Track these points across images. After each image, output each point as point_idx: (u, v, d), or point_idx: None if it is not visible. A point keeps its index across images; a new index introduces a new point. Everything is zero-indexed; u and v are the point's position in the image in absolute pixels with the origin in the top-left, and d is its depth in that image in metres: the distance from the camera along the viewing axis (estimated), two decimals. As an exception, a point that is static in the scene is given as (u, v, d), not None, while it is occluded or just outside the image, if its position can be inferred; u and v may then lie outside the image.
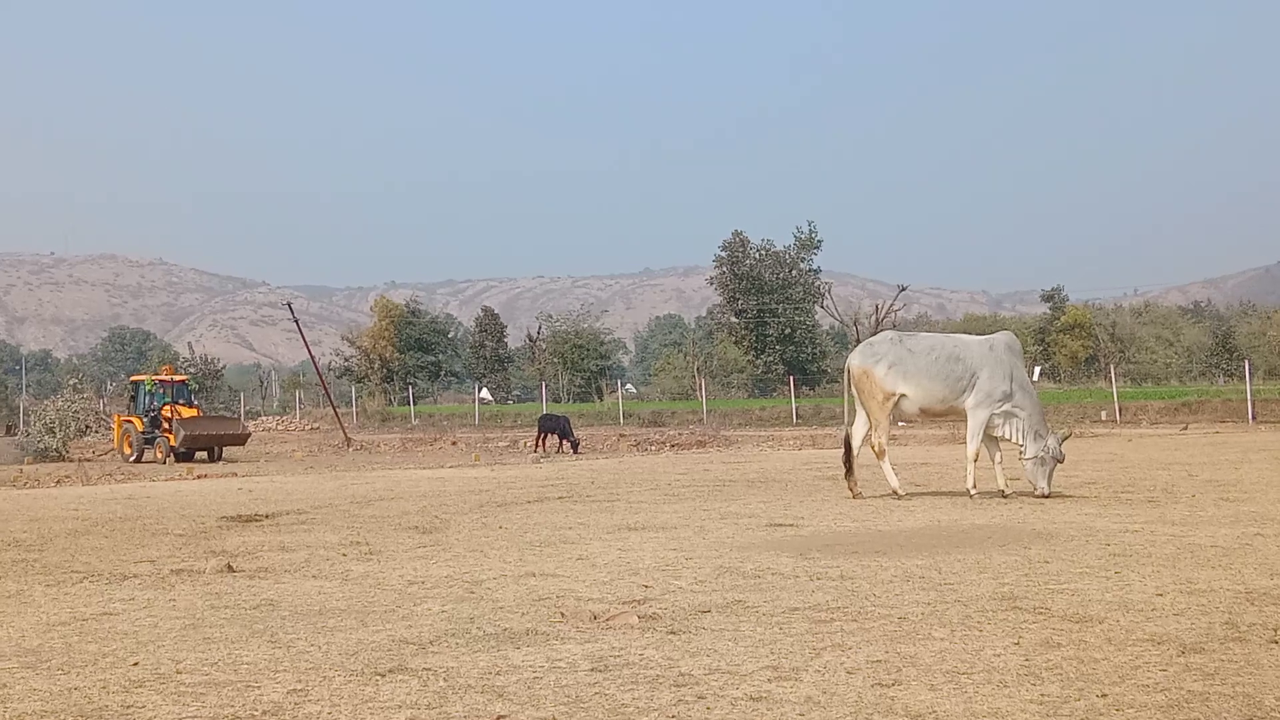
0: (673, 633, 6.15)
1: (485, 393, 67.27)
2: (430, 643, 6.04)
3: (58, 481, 21.76)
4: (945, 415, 14.27)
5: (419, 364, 76.57)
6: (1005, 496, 13.20)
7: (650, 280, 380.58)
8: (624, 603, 7.03)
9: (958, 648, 5.65)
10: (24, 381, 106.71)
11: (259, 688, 5.19)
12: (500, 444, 35.19)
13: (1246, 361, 39.49)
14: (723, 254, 72.20)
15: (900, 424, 21.60)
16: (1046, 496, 13.03)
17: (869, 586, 7.45)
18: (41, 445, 31.67)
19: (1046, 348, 70.28)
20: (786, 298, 70.12)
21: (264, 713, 4.78)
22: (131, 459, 30.07)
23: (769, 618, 6.49)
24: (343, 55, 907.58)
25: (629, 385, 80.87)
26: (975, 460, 13.59)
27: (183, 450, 29.30)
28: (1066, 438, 13.82)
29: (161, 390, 31.55)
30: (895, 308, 66.44)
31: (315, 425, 53.20)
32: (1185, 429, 32.29)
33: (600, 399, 60.64)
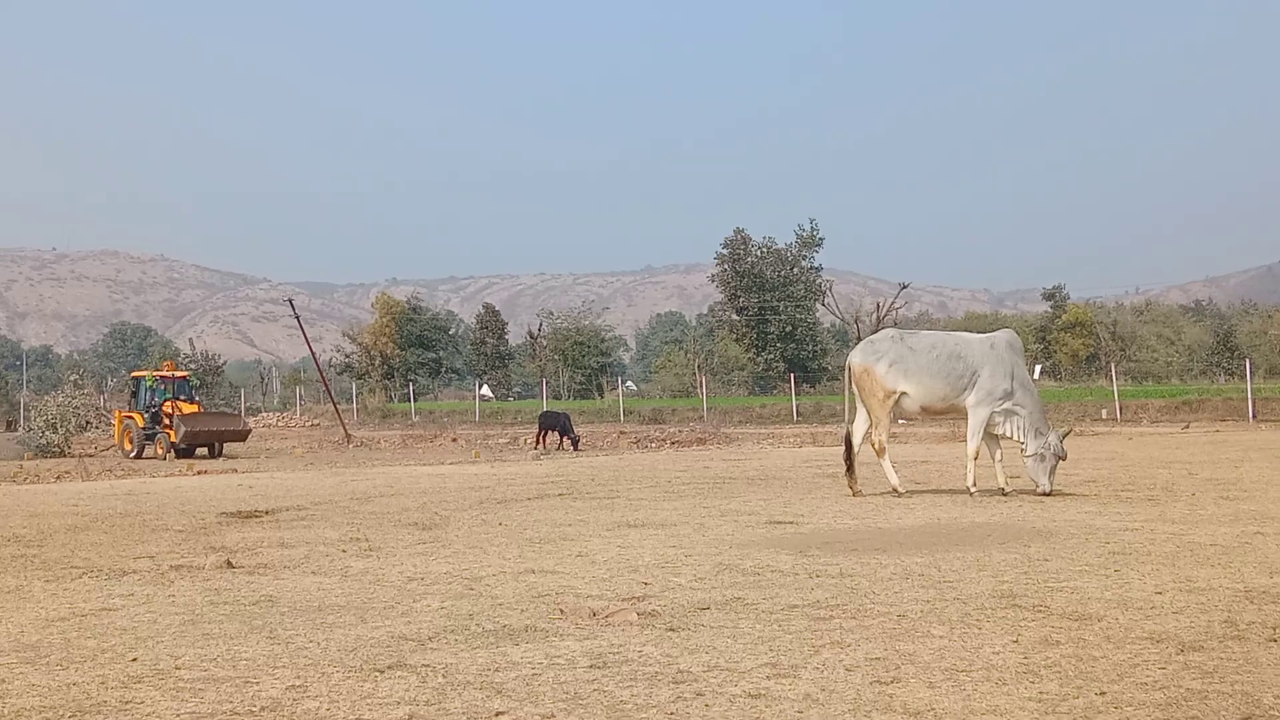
0: (672, 630, 6.15)
1: (486, 390, 67.32)
2: (429, 639, 6.04)
3: (57, 477, 21.77)
4: (946, 413, 14.26)
5: (420, 361, 76.59)
6: (1005, 494, 13.20)
7: (651, 277, 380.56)
8: (623, 600, 7.03)
9: (957, 645, 5.65)
10: (25, 377, 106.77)
11: (258, 684, 5.19)
12: (500, 441, 35.19)
13: (1247, 360, 39.44)
14: (724, 251, 72.18)
15: (901, 422, 21.59)
16: (1048, 494, 13.02)
17: (868, 584, 7.44)
18: (43, 441, 31.67)
19: (1047, 346, 70.24)
20: (788, 295, 70.09)
21: (262, 709, 4.78)
22: (132, 455, 30.08)
23: (768, 615, 6.49)
24: (344, 53, 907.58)
25: (630, 382, 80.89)
26: (975, 458, 13.59)
27: (183, 446, 29.29)
28: (1067, 434, 13.82)
29: (163, 386, 31.56)
30: (896, 305, 66.42)
31: (316, 421, 53.21)
32: (1187, 427, 32.27)
33: (601, 396, 60.67)
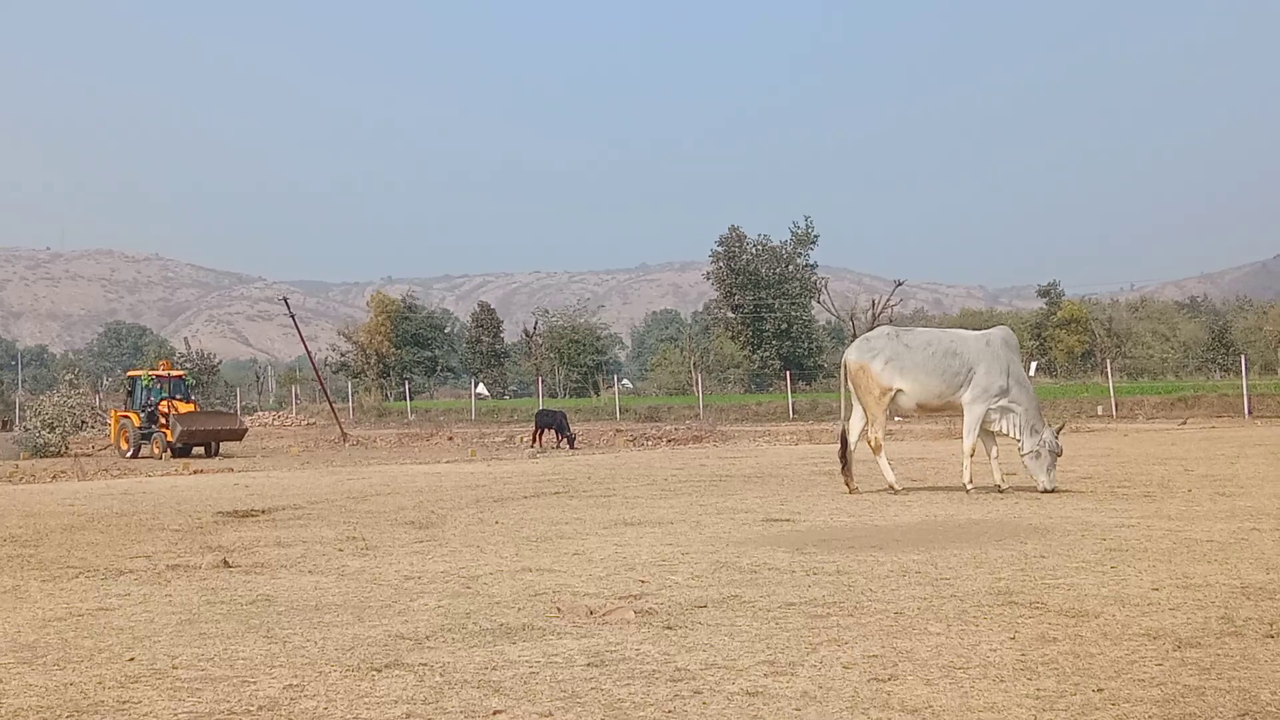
0: (669, 628, 6.15)
1: (482, 388, 67.29)
2: (426, 638, 6.04)
3: (53, 477, 21.73)
4: (942, 410, 14.28)
5: (415, 359, 76.56)
6: (1002, 491, 13.21)
7: (647, 275, 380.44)
8: (620, 598, 7.03)
9: (954, 643, 5.66)
10: (20, 377, 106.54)
11: (255, 683, 5.18)
12: (497, 439, 35.17)
13: (1242, 356, 39.52)
14: (719, 249, 72.21)
15: (897, 419, 21.60)
16: (1050, 491, 12.99)
17: (865, 581, 7.45)
18: (41, 441, 31.60)
19: (1043, 343, 70.36)
20: (783, 293, 70.11)
21: (260, 708, 4.77)
22: (128, 454, 30.02)
23: (765, 613, 6.49)
24: (340, 53, 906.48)
25: (625, 380, 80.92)
26: (972, 455, 13.60)
27: (180, 446, 29.24)
28: (1060, 429, 13.83)
29: (159, 385, 31.48)
30: (892, 303, 66.40)
31: (311, 420, 53.16)
32: (1184, 423, 32.32)
33: (597, 394, 60.67)
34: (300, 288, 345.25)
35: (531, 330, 77.58)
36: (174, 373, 33.52)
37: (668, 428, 38.15)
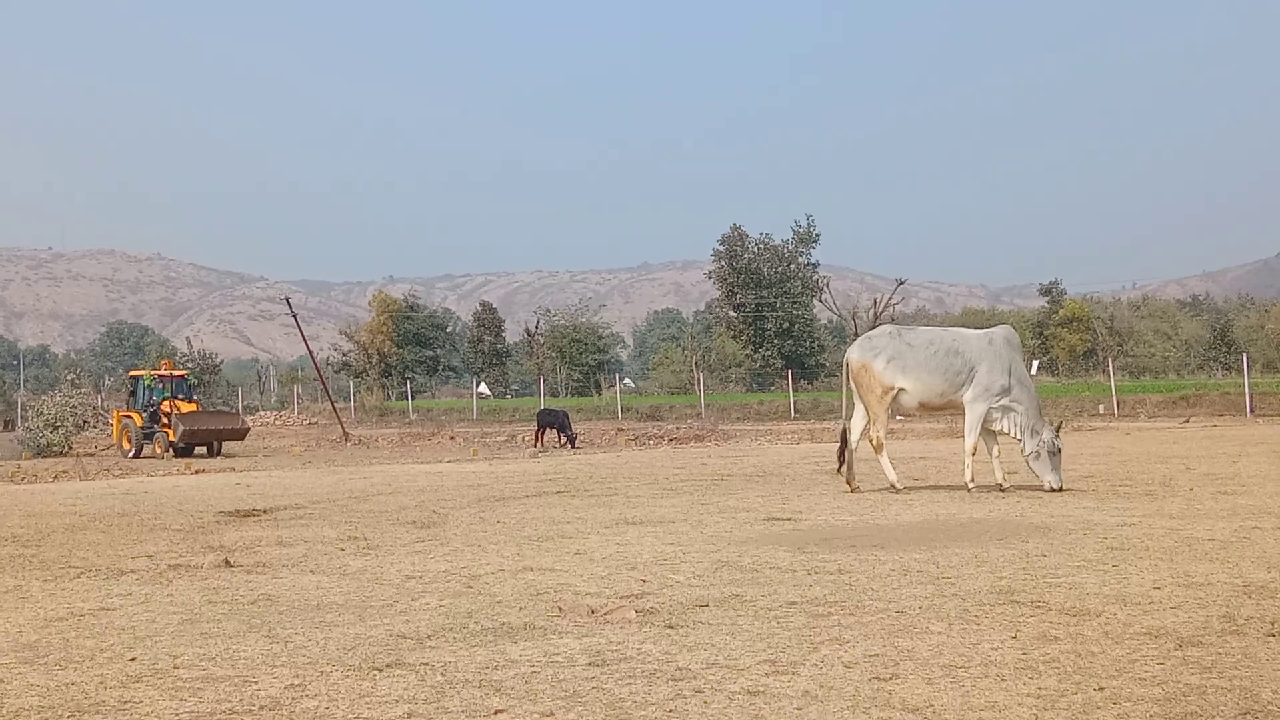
0: (670, 627, 6.14)
1: (483, 387, 67.31)
2: (428, 637, 6.04)
3: (55, 477, 21.75)
4: (944, 409, 14.27)
5: (417, 359, 76.60)
6: (1003, 490, 13.20)
7: (648, 274, 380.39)
8: (621, 597, 7.03)
9: (955, 641, 5.65)
10: (22, 377, 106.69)
11: (256, 683, 5.18)
12: (498, 439, 35.18)
13: (1244, 355, 39.48)
14: (721, 248, 72.20)
15: (898, 418, 21.60)
16: (1058, 490, 12.95)
17: (866, 580, 7.45)
18: (43, 441, 31.62)
19: (1045, 341, 70.32)
20: (785, 292, 70.11)
21: (261, 708, 4.77)
22: (130, 454, 30.03)
23: (766, 612, 6.49)
24: (341, 52, 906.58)
25: (627, 380, 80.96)
26: (973, 454, 13.60)
27: (182, 445, 29.26)
28: (1059, 428, 13.82)
29: (161, 385, 31.50)
30: (893, 301, 66.37)
31: (313, 420, 53.19)
32: (1187, 421, 32.31)
33: (598, 393, 60.69)
34: (302, 287, 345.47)
35: (533, 329, 77.59)
36: (176, 372, 33.55)
37: (669, 427, 38.16)
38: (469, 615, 6.61)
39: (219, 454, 29.61)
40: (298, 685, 5.11)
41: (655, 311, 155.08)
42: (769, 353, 68.86)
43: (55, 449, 31.39)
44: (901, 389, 13.67)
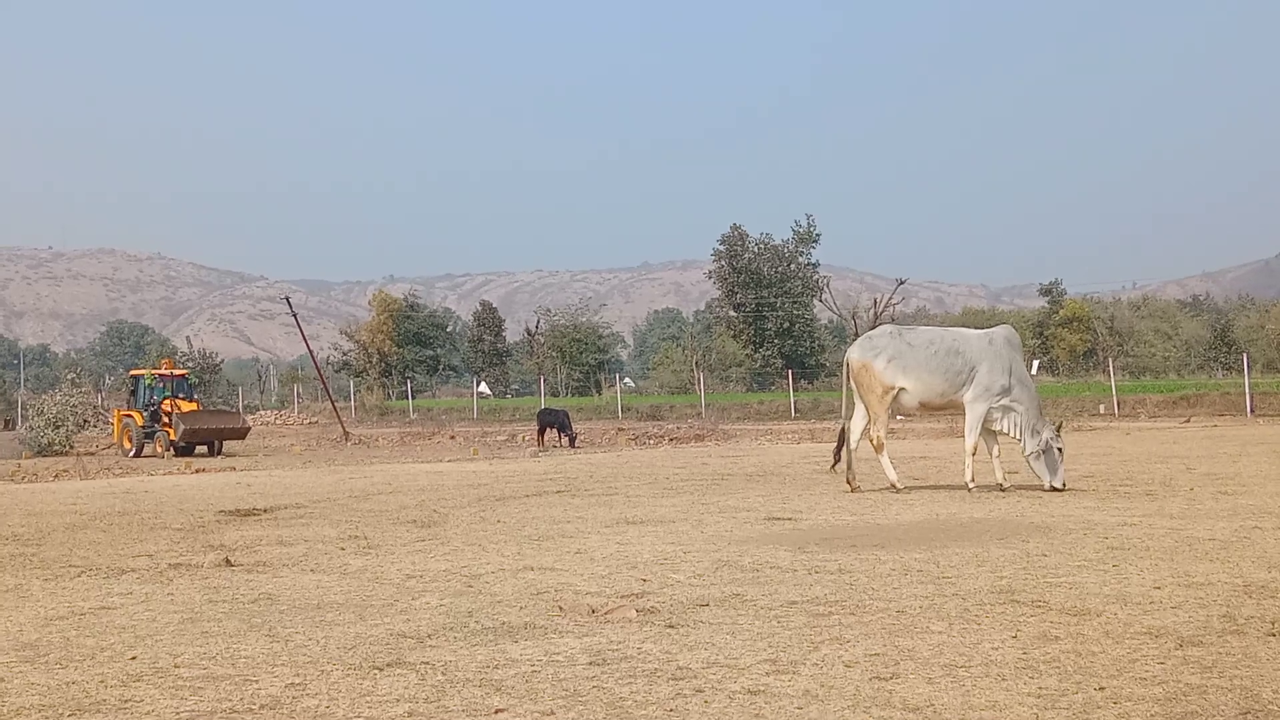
0: (671, 626, 6.15)
1: (484, 387, 67.25)
2: (428, 637, 6.04)
3: (55, 476, 21.75)
4: (944, 409, 14.27)
5: (417, 358, 76.59)
6: (1004, 490, 13.20)
7: (648, 274, 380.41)
8: (622, 596, 7.03)
9: (955, 641, 5.65)
10: (22, 376, 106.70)
11: (257, 681, 5.18)
12: (498, 438, 35.19)
13: (1245, 355, 39.47)
14: (721, 248, 72.19)
15: (899, 417, 21.60)
16: (1058, 490, 12.94)
17: (867, 580, 7.45)
18: (44, 440, 31.63)
19: (1045, 341, 70.31)
20: (785, 291, 70.10)
21: (262, 706, 4.77)
22: (131, 454, 30.04)
23: (767, 611, 6.49)
24: (341, 52, 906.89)
25: (627, 379, 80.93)
26: (974, 454, 13.60)
27: (183, 444, 29.26)
28: (1059, 428, 13.82)
29: (161, 385, 31.51)
30: (894, 301, 66.36)
31: (313, 419, 53.19)
32: (1187, 421, 32.30)
33: (599, 393, 60.69)
34: (302, 287, 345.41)
35: (533, 329, 77.59)
36: (177, 372, 33.56)
37: (669, 426, 38.16)
38: (469, 614, 6.61)
39: (219, 453, 29.63)
40: (298, 684, 5.11)
41: (655, 311, 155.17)
42: (769, 352, 68.87)
43: (56, 448, 31.40)
44: (902, 389, 13.68)
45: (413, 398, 59.41)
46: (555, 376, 68.18)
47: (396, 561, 8.84)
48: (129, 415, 31.35)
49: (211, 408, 41.27)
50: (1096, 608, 6.38)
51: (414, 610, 6.80)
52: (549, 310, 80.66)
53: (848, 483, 13.80)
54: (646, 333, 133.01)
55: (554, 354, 71.36)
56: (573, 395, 64.13)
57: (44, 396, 38.15)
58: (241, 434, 31.33)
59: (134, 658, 5.72)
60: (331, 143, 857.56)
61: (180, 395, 31.27)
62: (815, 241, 72.22)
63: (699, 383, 53.12)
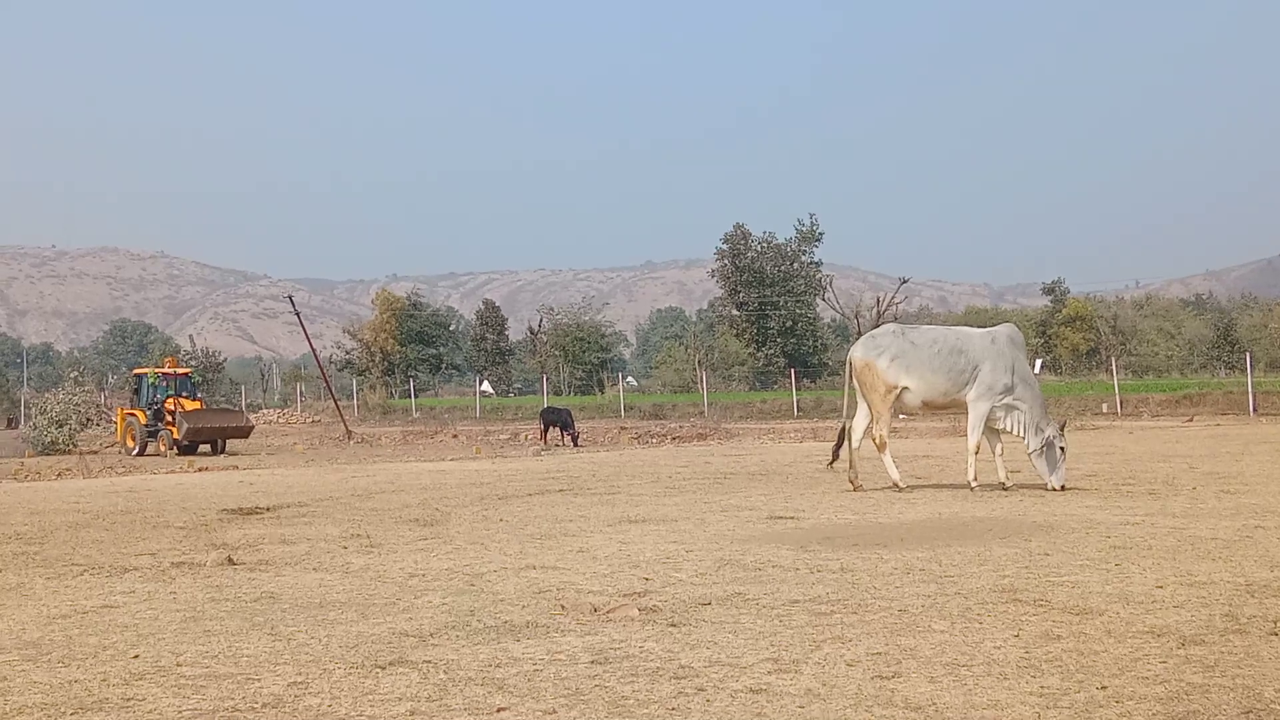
0: (673, 625, 6.15)
1: (486, 386, 67.27)
2: (431, 635, 6.05)
3: (58, 475, 21.78)
4: (947, 408, 14.27)
5: (420, 357, 76.62)
6: (1006, 489, 13.20)
7: (651, 273, 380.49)
8: (624, 595, 7.04)
9: (958, 640, 5.65)
10: (25, 375, 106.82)
11: (259, 680, 5.19)
12: (501, 437, 35.19)
13: (1248, 354, 39.43)
14: (724, 247, 72.21)
15: (901, 416, 21.60)
16: (1061, 489, 12.94)
17: (869, 579, 7.45)
18: (48, 438, 31.66)
19: (1048, 340, 70.27)
20: (788, 290, 70.10)
21: (264, 705, 4.78)
22: (134, 452, 30.06)
23: (769, 610, 6.49)
24: (344, 50, 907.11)
25: (630, 378, 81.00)
26: (976, 453, 13.59)
27: (186, 443, 29.27)
28: (1064, 426, 13.81)
29: (165, 383, 31.53)
30: (897, 300, 66.40)
31: (316, 418, 53.20)
32: (1190, 420, 32.28)
33: (601, 392, 60.73)
34: (305, 285, 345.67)
35: (536, 328, 77.64)
36: (180, 370, 33.58)
37: (672, 425, 38.16)
38: (472, 613, 6.61)
39: (223, 452, 29.64)
40: (300, 683, 5.12)
41: (658, 310, 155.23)
42: (772, 351, 68.87)
43: (59, 447, 31.42)
44: (905, 388, 13.67)
45: (415, 396, 59.46)
46: (558, 375, 68.22)
47: (399, 560, 8.84)
48: (132, 414, 31.36)
49: (215, 406, 41.31)
50: (1099, 607, 6.38)
51: (416, 609, 6.81)
52: (552, 309, 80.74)
53: (850, 482, 13.80)
54: (649, 331, 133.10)
55: (557, 353, 71.41)
56: (575, 394, 64.16)
57: (47, 395, 38.15)
58: (244, 433, 31.34)
59: (136, 656, 5.72)
60: (334, 141, 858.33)
61: (183, 394, 31.27)
62: (818, 240, 72.26)
63: (701, 382, 53.12)
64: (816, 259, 73.11)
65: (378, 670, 5.31)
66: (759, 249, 71.72)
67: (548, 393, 54.69)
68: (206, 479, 19.30)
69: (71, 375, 39.77)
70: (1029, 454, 13.39)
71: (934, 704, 4.57)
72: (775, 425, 37.47)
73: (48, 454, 30.31)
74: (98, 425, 41.11)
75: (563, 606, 6.71)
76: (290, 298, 48.09)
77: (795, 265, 71.56)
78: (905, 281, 67.69)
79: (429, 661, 5.45)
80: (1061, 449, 13.24)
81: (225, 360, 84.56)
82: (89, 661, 5.65)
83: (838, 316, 75.12)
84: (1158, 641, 5.55)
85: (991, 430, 13.74)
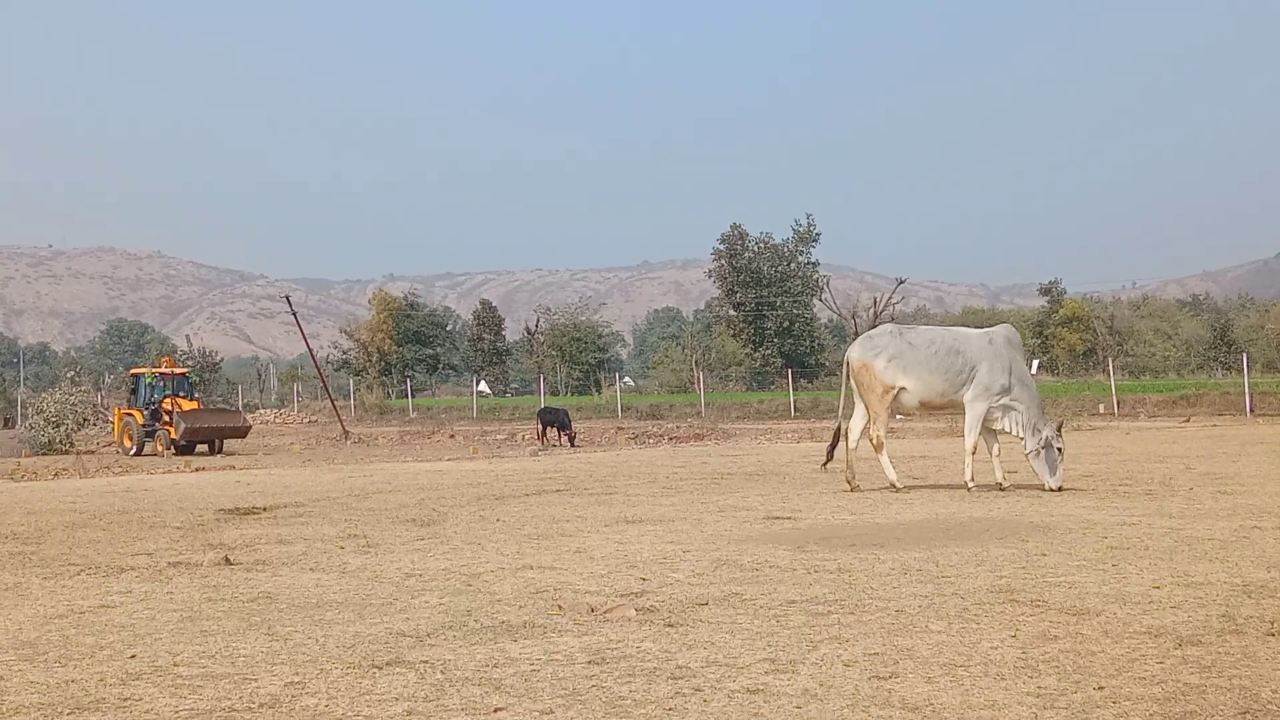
0: (670, 625, 6.15)
1: (483, 386, 67.26)
2: (428, 635, 6.04)
3: (55, 474, 21.76)
4: (944, 408, 14.27)
5: (417, 357, 76.55)
6: (1003, 490, 13.20)
7: (648, 273, 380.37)
8: (621, 595, 7.03)
9: (955, 640, 5.66)
10: (22, 374, 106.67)
11: (256, 680, 5.19)
12: (498, 437, 35.19)
13: (1244, 354, 39.46)
14: (721, 247, 72.19)
15: (899, 417, 21.61)
16: (1058, 489, 12.94)
17: (866, 579, 7.45)
18: (44, 438, 31.62)
19: (1045, 341, 70.28)
20: (785, 290, 70.10)
21: (261, 705, 4.77)
22: (132, 452, 30.04)
23: (766, 610, 6.49)
24: (340, 49, 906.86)
25: (627, 378, 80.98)
26: (973, 453, 13.59)
27: (183, 443, 29.26)
28: (1060, 426, 13.82)
29: (162, 383, 31.53)
30: (894, 300, 66.37)
31: (313, 418, 53.19)
32: (1187, 421, 32.30)
33: (598, 392, 60.69)
34: (302, 285, 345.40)
35: (533, 328, 77.58)
36: (178, 370, 33.56)
37: (669, 425, 38.16)
38: (469, 613, 6.61)
39: (220, 452, 29.63)
40: (297, 683, 5.11)
41: (655, 310, 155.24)
42: (769, 352, 68.87)
43: (56, 446, 31.39)
44: (902, 388, 13.68)
45: (412, 396, 59.40)
46: (555, 375, 68.17)
47: (396, 560, 8.84)
48: (129, 414, 31.35)
49: (212, 406, 41.29)
50: (1096, 607, 6.38)
51: (413, 609, 6.80)
52: (549, 309, 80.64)
53: (847, 482, 13.80)
54: (646, 332, 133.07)
55: (554, 353, 71.36)
56: (572, 394, 64.14)
57: (44, 395, 38.14)
58: (242, 433, 31.33)
59: (133, 656, 5.72)
60: (331, 141, 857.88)
61: (180, 394, 31.28)
62: (815, 241, 72.22)
63: (699, 382, 53.13)
64: (813, 259, 73.12)
65: (374, 670, 5.30)
66: (756, 249, 71.69)
67: (545, 393, 54.64)
68: (203, 479, 19.28)
69: (68, 375, 39.74)
70: (1026, 454, 13.40)
71: (931, 704, 4.57)
72: (772, 425, 37.48)
73: (44, 454, 30.28)
74: (94, 425, 41.09)
75: (560, 607, 6.71)
76: (287, 298, 48.14)
77: (792, 265, 71.55)
78: (902, 282, 67.67)
79: (426, 661, 5.45)
80: (1059, 450, 13.24)
81: (222, 360, 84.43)
82: (85, 661, 5.64)
83: (835, 317, 75.10)
84: (1155, 642, 5.55)
85: (989, 431, 13.75)
